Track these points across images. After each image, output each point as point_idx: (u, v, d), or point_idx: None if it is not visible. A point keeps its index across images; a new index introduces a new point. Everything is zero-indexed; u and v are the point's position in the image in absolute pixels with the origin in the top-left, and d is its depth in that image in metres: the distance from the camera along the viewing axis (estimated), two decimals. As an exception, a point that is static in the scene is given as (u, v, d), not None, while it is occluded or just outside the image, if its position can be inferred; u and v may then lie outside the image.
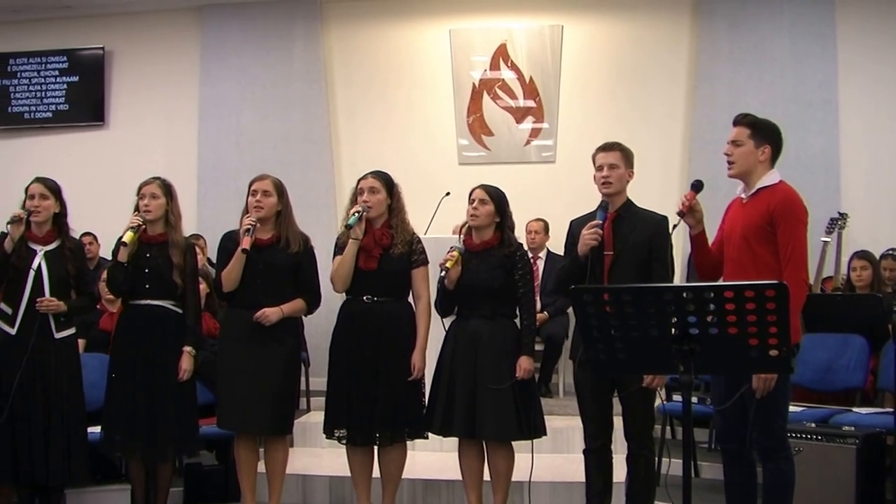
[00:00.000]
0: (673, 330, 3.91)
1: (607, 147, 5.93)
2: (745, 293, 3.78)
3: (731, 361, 4.12)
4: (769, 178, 5.46)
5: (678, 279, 5.91)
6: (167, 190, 6.58)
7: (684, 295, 3.89)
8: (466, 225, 6.41)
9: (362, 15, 11.93)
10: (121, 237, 6.41)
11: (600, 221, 5.73)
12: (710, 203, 5.76)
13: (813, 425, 6.50)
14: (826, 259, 9.83)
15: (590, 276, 5.69)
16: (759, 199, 5.41)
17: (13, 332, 6.38)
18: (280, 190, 6.50)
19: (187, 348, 6.46)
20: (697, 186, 5.49)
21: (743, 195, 5.54)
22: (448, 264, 6.09)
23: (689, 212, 5.41)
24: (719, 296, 3.80)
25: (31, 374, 6.29)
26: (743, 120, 5.51)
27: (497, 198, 6.31)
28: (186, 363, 6.44)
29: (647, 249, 5.76)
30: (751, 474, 5.51)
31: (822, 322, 7.98)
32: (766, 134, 5.49)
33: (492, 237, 6.31)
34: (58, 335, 6.43)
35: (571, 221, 6.09)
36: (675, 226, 5.55)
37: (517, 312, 6.33)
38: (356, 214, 6.21)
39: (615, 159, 5.86)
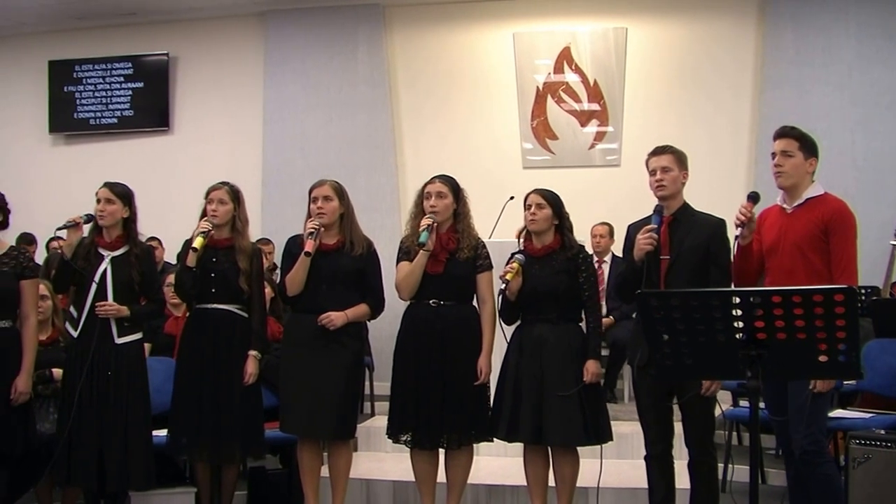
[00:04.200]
0: (740, 335, 3.86)
1: (659, 151, 5.89)
2: (814, 298, 3.71)
3: (798, 367, 4.06)
4: (814, 189, 5.53)
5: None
6: (235, 196, 6.62)
7: (752, 299, 3.83)
8: (525, 230, 6.39)
9: (425, 19, 11.97)
10: (188, 241, 6.47)
11: (655, 226, 5.70)
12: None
13: (882, 432, 6.37)
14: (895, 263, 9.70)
15: (646, 281, 5.66)
16: (808, 209, 5.46)
17: (76, 335, 6.42)
18: (340, 193, 6.47)
19: (253, 352, 6.48)
20: (754, 198, 5.51)
21: (785, 205, 5.57)
22: (508, 276, 6.07)
23: (748, 223, 5.41)
24: (788, 300, 3.74)
25: (90, 379, 6.30)
26: (791, 132, 5.56)
27: (553, 201, 6.28)
28: (252, 367, 6.46)
29: (703, 253, 5.70)
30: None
31: (892, 327, 7.87)
32: (812, 148, 5.57)
33: (553, 240, 6.28)
34: (119, 340, 6.42)
35: (629, 225, 6.04)
36: (737, 236, 5.52)
37: (582, 316, 6.30)
38: (426, 230, 6.19)
39: (668, 162, 5.81)
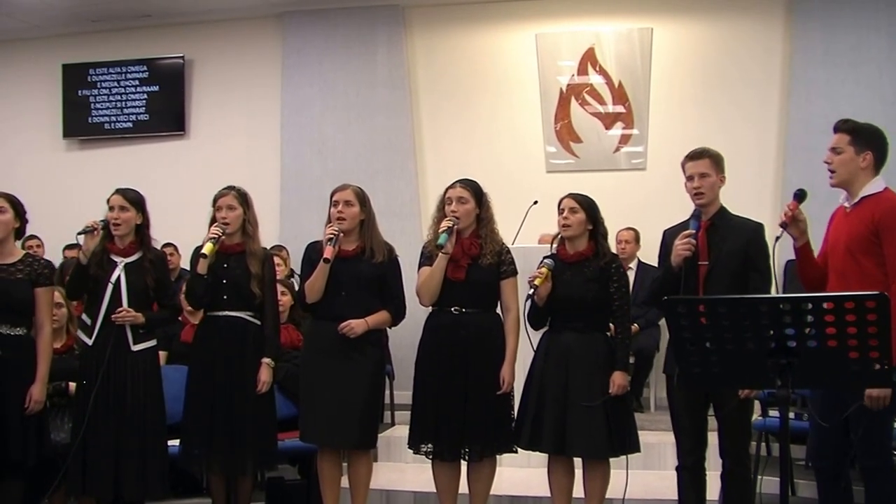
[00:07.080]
0: (770, 343, 3.75)
1: (696, 155, 5.73)
2: (846, 304, 3.62)
3: (830, 375, 3.96)
4: (873, 185, 5.23)
5: (779, 290, 5.71)
6: (243, 199, 6.56)
7: (781, 306, 3.73)
8: (559, 236, 6.26)
9: (446, 20, 11.85)
10: (199, 248, 6.40)
11: (693, 231, 5.56)
12: (807, 211, 5.47)
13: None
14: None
15: (684, 288, 5.51)
16: (862, 208, 5.19)
17: (90, 343, 6.34)
18: (362, 199, 6.39)
19: (266, 360, 6.42)
20: (800, 196, 5.28)
21: (846, 204, 5.32)
22: (537, 282, 5.95)
23: (793, 222, 5.21)
24: (818, 307, 3.66)
25: (105, 386, 6.24)
26: (843, 126, 5.30)
27: (587, 205, 6.15)
28: (265, 375, 6.39)
29: (742, 257, 5.57)
30: (848, 496, 5.30)
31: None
32: (867, 139, 5.26)
33: (586, 247, 6.15)
34: (135, 347, 6.35)
35: (665, 231, 5.93)
36: (777, 237, 5.31)
37: (610, 326, 6.18)
38: (445, 232, 6.09)
39: (705, 167, 5.67)
